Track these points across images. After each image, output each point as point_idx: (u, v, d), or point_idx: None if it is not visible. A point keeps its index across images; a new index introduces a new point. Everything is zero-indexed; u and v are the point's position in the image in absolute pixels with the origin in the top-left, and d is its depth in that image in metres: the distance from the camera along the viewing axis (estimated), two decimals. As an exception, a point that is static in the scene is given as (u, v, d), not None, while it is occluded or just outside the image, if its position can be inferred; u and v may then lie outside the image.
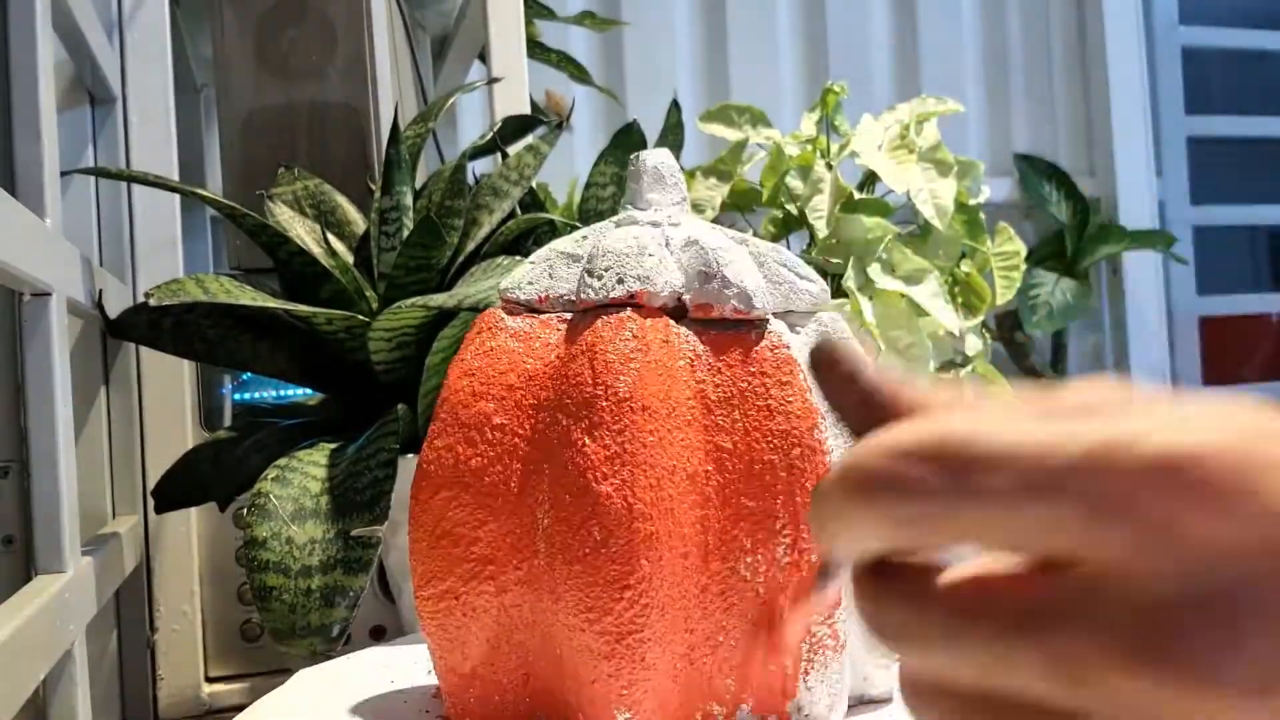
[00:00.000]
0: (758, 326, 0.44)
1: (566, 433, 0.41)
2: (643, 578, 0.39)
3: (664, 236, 0.46)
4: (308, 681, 0.54)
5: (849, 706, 0.45)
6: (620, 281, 0.44)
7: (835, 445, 0.43)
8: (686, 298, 0.44)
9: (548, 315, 0.45)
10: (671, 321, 0.44)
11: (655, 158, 0.48)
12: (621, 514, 0.39)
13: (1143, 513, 0.19)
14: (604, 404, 0.40)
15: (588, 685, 0.40)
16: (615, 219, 0.48)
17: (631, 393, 0.40)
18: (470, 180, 0.84)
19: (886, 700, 0.46)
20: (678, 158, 0.88)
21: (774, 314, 0.45)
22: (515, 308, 0.46)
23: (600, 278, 0.44)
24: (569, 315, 0.45)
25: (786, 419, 0.41)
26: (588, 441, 0.40)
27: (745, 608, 0.41)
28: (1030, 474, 0.20)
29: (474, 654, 0.43)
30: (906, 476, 0.21)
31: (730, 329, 0.44)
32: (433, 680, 0.51)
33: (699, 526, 0.41)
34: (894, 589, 0.23)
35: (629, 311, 0.43)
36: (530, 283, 0.46)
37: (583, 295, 0.44)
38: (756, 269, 0.45)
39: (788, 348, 0.43)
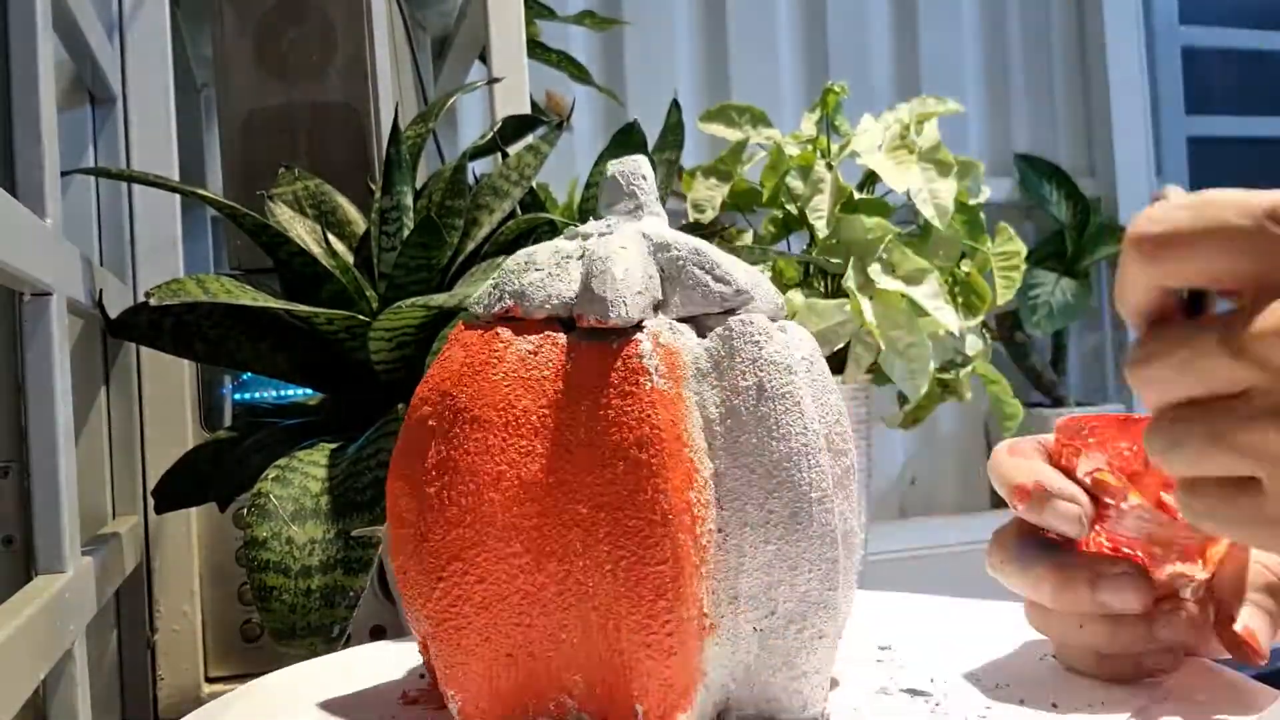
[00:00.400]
0: (621, 335, 0.44)
1: (424, 439, 0.45)
2: (454, 572, 0.43)
3: (580, 248, 0.47)
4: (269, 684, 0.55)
5: None
6: (500, 298, 0.47)
7: (725, 458, 0.43)
8: (575, 309, 0.45)
9: (489, 329, 0.47)
10: (554, 333, 0.45)
11: (618, 166, 0.49)
12: (438, 514, 0.43)
13: None
14: (445, 413, 0.45)
15: (433, 662, 0.45)
16: (567, 232, 0.49)
17: (467, 404, 0.44)
18: (470, 180, 0.84)
19: None
20: (678, 158, 0.88)
21: (686, 318, 0.45)
22: (472, 320, 0.48)
23: (490, 293, 0.47)
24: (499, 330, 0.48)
25: (619, 430, 0.42)
26: (430, 448, 0.44)
27: (581, 609, 0.43)
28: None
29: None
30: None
31: (599, 339, 0.44)
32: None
33: (536, 530, 0.43)
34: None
35: (499, 326, 0.46)
36: (482, 297, 0.48)
37: (475, 310, 0.48)
38: (644, 276, 0.45)
39: (640, 357, 0.43)
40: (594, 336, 0.44)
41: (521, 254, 0.48)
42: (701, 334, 0.45)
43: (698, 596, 0.42)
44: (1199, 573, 0.46)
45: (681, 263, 0.46)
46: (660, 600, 0.41)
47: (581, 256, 0.46)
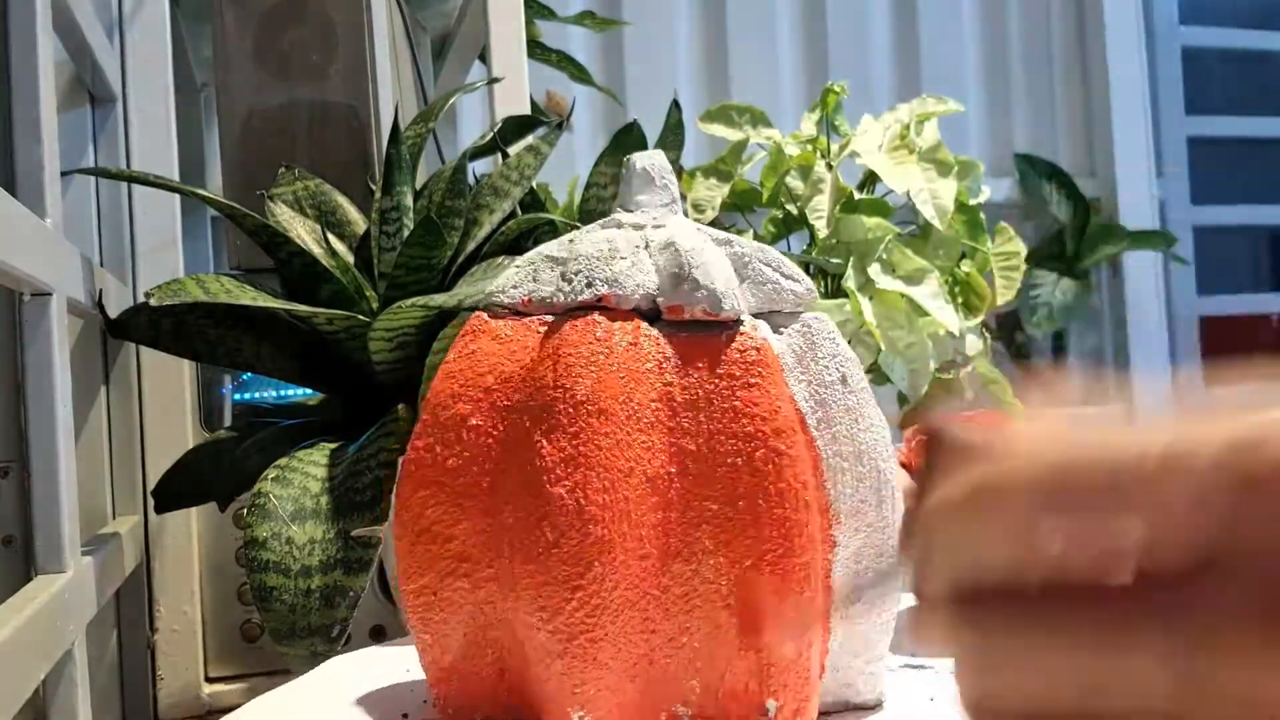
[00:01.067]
0: (729, 328, 0.44)
1: (528, 435, 0.42)
2: (594, 579, 0.40)
3: (643, 239, 0.46)
4: (307, 683, 0.54)
5: (831, 714, 0.45)
6: (589, 285, 0.44)
7: (824, 447, 0.43)
8: (660, 300, 0.44)
9: (530, 319, 0.45)
10: (643, 324, 0.44)
11: (645, 159, 0.48)
12: (573, 516, 0.40)
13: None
14: (562, 407, 0.41)
15: (544, 683, 0.41)
16: (601, 222, 0.48)
17: (589, 396, 0.41)
18: (470, 180, 0.84)
19: (872, 707, 0.46)
20: (678, 158, 0.88)
21: (757, 314, 0.45)
22: (500, 311, 0.46)
23: (570, 281, 0.45)
24: (550, 319, 0.45)
25: (751, 421, 0.42)
26: (545, 444, 0.41)
27: (708, 609, 0.41)
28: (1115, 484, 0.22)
29: (453, 648, 0.44)
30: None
31: (701, 331, 0.44)
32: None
33: (660, 529, 0.41)
34: (999, 607, 0.24)
35: (596, 315, 0.43)
36: (515, 286, 0.46)
37: (554, 299, 0.45)
38: (732, 270, 0.45)
39: (757, 349, 0.43)
40: (693, 329, 0.43)
41: (592, 242, 0.46)
42: (774, 329, 0.45)
43: (830, 586, 0.42)
44: None
45: (747, 259, 0.46)
46: (805, 592, 0.40)
47: (646, 247, 0.46)
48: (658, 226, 0.46)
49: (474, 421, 0.43)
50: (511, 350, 0.44)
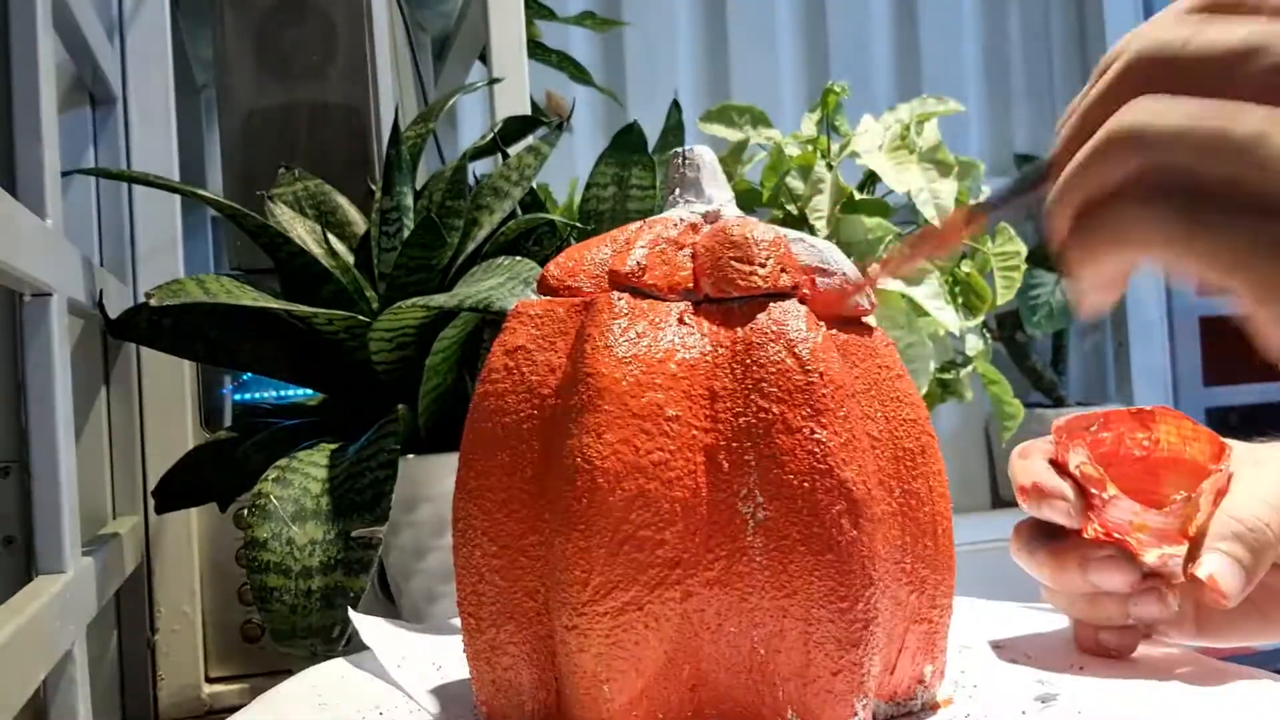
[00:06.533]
0: (863, 321, 0.46)
1: (781, 420, 0.39)
2: (877, 561, 0.40)
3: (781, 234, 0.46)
4: (307, 679, 0.54)
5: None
6: (784, 271, 0.43)
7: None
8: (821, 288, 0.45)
9: (668, 303, 0.43)
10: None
11: (700, 151, 0.48)
12: (864, 500, 0.39)
13: None
14: (823, 390, 0.40)
15: (825, 678, 0.39)
16: (710, 209, 0.47)
17: (843, 380, 0.41)
18: (471, 181, 0.84)
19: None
20: (678, 158, 0.88)
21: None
22: (627, 294, 0.43)
23: (764, 265, 0.43)
24: (692, 303, 0.43)
25: (912, 408, 0.44)
26: (815, 429, 0.39)
27: (907, 594, 0.43)
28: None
29: (648, 669, 0.40)
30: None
31: (848, 325, 0.45)
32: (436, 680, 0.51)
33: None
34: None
35: (793, 301, 0.43)
36: (645, 269, 0.44)
37: (741, 284, 0.43)
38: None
39: (893, 344, 0.45)
40: (840, 323, 0.45)
41: (759, 229, 0.45)
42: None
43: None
44: (1184, 551, 0.48)
45: (817, 250, 0.46)
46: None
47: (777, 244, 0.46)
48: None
49: (671, 411, 0.40)
50: (677, 334, 0.42)
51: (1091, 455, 0.49)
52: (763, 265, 0.43)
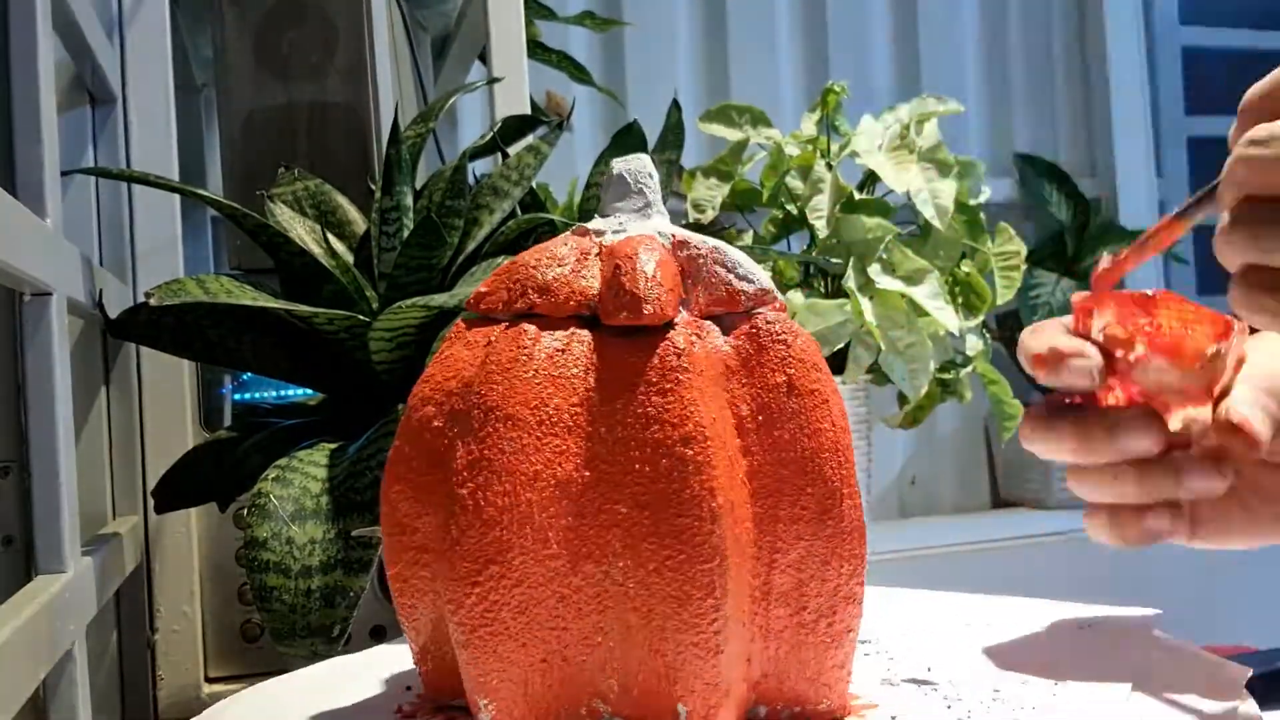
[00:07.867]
0: (653, 332, 0.44)
1: (452, 439, 0.44)
2: (490, 576, 0.41)
3: (597, 245, 0.46)
4: (305, 676, 0.54)
5: None
6: (523, 293, 0.46)
7: (763, 455, 0.43)
8: (594, 306, 0.45)
9: (492, 325, 0.46)
10: (580, 330, 0.44)
11: (623, 164, 0.49)
12: (473, 516, 0.42)
13: None
14: (475, 412, 0.43)
15: (462, 670, 0.43)
16: (573, 229, 0.48)
17: (499, 402, 0.43)
18: (470, 180, 0.84)
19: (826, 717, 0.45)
20: (678, 158, 0.88)
21: (709, 316, 0.45)
22: (474, 318, 0.47)
23: (509, 290, 0.46)
24: (499, 325, 0.47)
25: (660, 428, 0.42)
26: (459, 446, 0.43)
27: (619, 611, 0.42)
28: None
29: (425, 630, 0.46)
30: None
31: (636, 336, 0.44)
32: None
33: (572, 531, 0.42)
34: None
35: (526, 323, 0.45)
36: (489, 293, 0.47)
37: (497, 307, 0.47)
38: (674, 273, 0.45)
39: (678, 354, 0.43)
40: (624, 333, 0.44)
41: (538, 250, 0.47)
42: (725, 332, 0.45)
43: (742, 594, 0.42)
44: (1208, 414, 0.48)
45: (702, 260, 0.46)
46: (708, 599, 0.41)
47: (599, 253, 0.46)
48: (617, 232, 0.47)
49: (435, 424, 0.45)
50: (475, 355, 0.46)
51: (1120, 317, 0.48)
52: (519, 283, 0.46)
